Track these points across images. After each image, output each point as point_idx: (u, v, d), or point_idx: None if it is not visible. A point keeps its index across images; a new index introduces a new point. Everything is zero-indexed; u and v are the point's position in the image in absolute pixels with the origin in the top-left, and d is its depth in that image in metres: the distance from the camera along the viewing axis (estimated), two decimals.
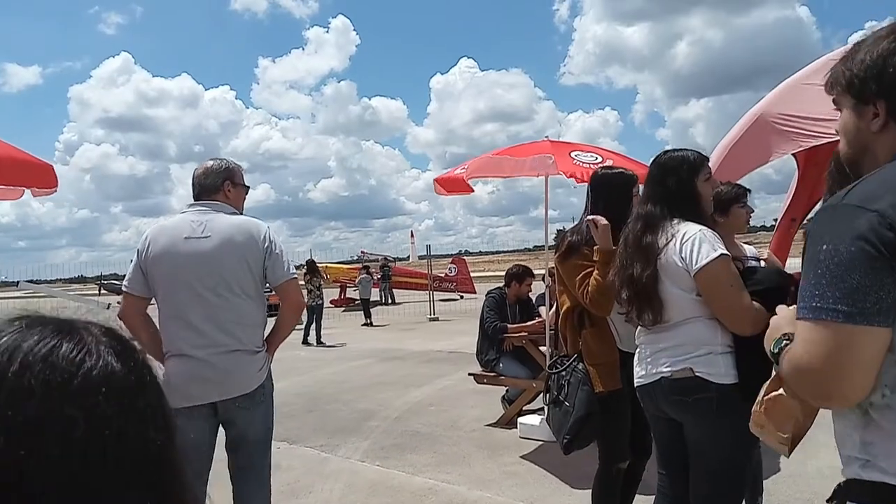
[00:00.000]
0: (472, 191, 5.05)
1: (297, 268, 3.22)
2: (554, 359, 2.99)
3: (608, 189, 2.75)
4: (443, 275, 27.78)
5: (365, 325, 17.28)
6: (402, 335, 14.48)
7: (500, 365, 5.79)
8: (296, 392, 7.91)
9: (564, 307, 2.80)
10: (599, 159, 4.94)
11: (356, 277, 19.86)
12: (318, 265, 15.37)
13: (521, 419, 5.45)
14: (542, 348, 5.62)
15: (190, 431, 2.44)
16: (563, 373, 2.75)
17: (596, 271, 2.55)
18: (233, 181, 2.74)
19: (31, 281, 21.90)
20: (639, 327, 2.32)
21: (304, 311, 14.99)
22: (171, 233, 2.58)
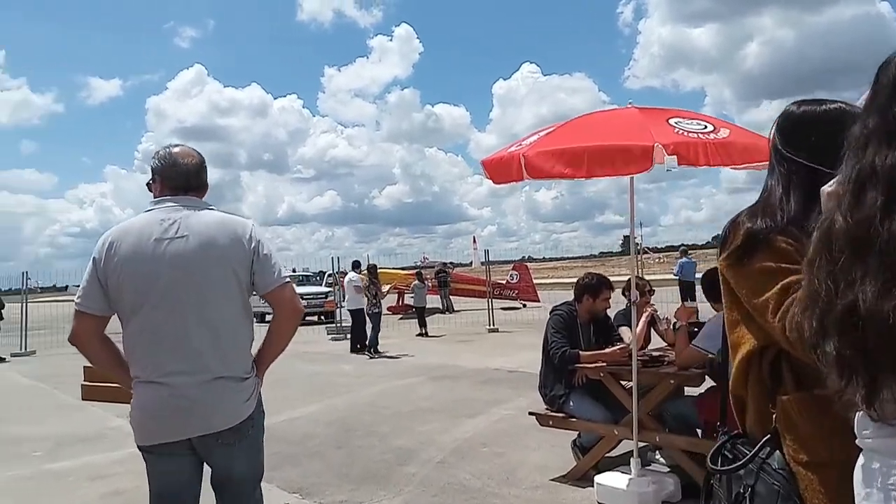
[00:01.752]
0: (523, 179, 3.71)
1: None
2: (721, 439, 1.58)
3: (819, 132, 1.42)
4: (503, 281, 26.77)
5: (419, 335, 16.17)
6: (458, 348, 13.25)
7: (570, 403, 4.50)
8: (327, 420, 6.80)
9: (742, 349, 1.44)
10: (710, 128, 3.58)
11: (411, 283, 18.82)
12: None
13: (598, 477, 4.14)
14: (625, 383, 4.30)
15: (170, 472, 2.18)
16: (742, 471, 1.43)
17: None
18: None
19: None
20: (864, 416, 1.03)
21: (357, 317, 14.27)
22: (137, 235, 2.12)
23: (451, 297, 24.69)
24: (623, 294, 5.16)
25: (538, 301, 24.92)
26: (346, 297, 14.10)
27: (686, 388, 4.42)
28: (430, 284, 18.67)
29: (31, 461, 5.70)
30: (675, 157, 3.34)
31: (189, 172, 2.25)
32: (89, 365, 8.84)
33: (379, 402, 7.70)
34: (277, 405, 7.24)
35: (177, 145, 2.34)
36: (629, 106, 4.04)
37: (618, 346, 4.49)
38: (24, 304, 16.61)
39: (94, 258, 2.13)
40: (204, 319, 2.09)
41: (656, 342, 5.22)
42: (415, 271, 21.42)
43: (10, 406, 8.61)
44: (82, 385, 8.82)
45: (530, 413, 4.93)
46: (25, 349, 15.80)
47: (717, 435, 1.54)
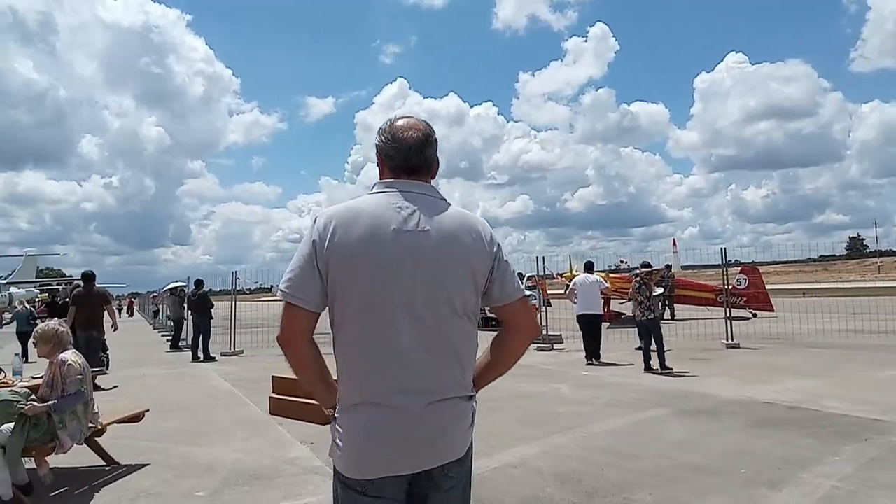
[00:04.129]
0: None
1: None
2: None
3: None
4: (729, 287, 23.47)
5: (639, 348, 13.81)
6: (696, 369, 10.76)
7: None
8: (554, 471, 4.95)
9: None
10: None
11: (627, 288, 16.42)
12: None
13: None
14: None
15: None
16: None
17: None
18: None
19: None
20: None
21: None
22: (371, 220, 1.78)
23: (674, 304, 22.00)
24: None
25: (772, 310, 21.55)
26: (578, 301, 12.42)
27: None
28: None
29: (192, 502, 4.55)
30: None
31: (409, 148, 1.90)
32: (278, 375, 7.89)
33: (620, 446, 5.70)
34: (482, 441, 5.58)
35: (402, 117, 1.97)
36: None
37: None
38: (234, 304, 16.86)
39: (313, 241, 1.78)
40: (442, 329, 1.78)
41: None
42: (629, 275, 18.97)
43: (198, 416, 7.85)
44: (270, 398, 7.86)
45: None
46: (233, 349, 15.92)
47: None
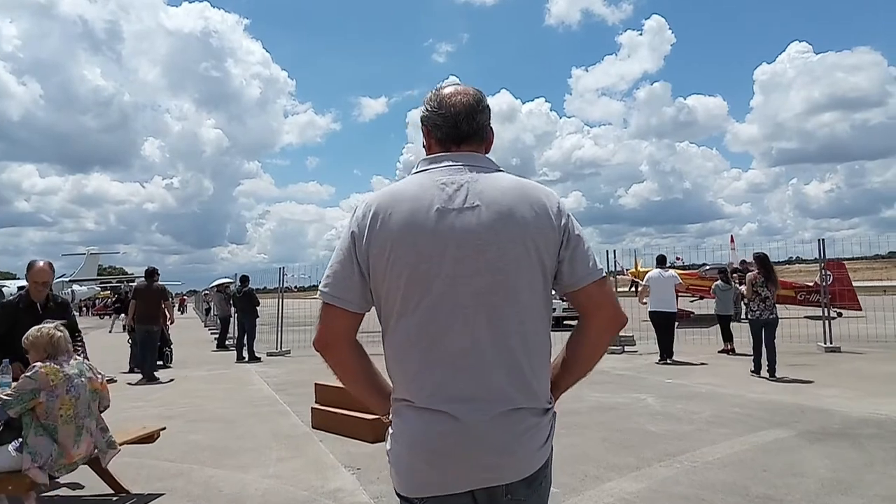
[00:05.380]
0: None
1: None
2: None
3: None
4: (811, 284, 21.81)
5: (723, 351, 12.43)
6: (800, 376, 9.35)
7: None
8: None
9: None
10: None
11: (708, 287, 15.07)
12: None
13: None
14: None
15: None
16: None
17: None
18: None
19: None
20: None
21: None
22: (412, 203, 1.54)
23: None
24: None
25: (860, 309, 19.85)
26: (651, 297, 11.62)
27: None
28: (736, 287, 14.35)
29: None
30: None
31: (458, 114, 1.66)
32: (323, 383, 6.80)
33: (747, 483, 4.45)
34: (563, 471, 4.55)
35: (450, 84, 1.74)
36: None
37: None
38: (281, 302, 16.07)
39: (352, 232, 1.57)
40: (504, 324, 1.50)
41: None
42: (703, 273, 17.53)
43: (232, 427, 6.92)
44: (313, 409, 6.87)
45: None
46: (280, 348, 15.14)
47: None
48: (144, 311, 11.16)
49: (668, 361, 11.28)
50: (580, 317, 1.67)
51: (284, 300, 16.25)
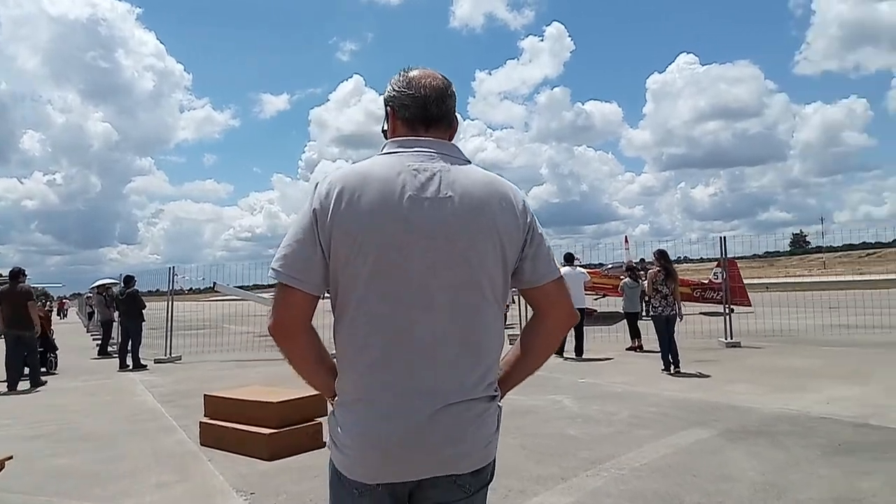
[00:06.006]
0: None
1: None
2: None
3: None
4: (706, 281, 22.75)
5: (631, 348, 12.51)
6: (705, 371, 9.41)
7: None
8: None
9: None
10: None
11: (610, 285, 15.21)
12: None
13: None
14: None
15: None
16: None
17: None
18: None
19: (241, 287, 20.65)
20: None
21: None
22: (382, 184, 1.47)
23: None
24: None
25: (750, 305, 20.81)
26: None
27: None
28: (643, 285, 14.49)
29: None
30: None
31: (427, 96, 1.61)
32: (213, 394, 5.79)
33: (679, 491, 4.17)
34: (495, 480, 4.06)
35: (416, 68, 1.67)
36: None
37: None
38: (170, 305, 14.85)
39: (314, 210, 1.46)
40: (464, 315, 1.47)
41: None
42: (616, 266, 17.70)
43: (107, 447, 6.04)
44: (201, 423, 6.11)
45: None
46: (169, 354, 13.98)
47: None
48: (11, 314, 10.45)
49: (577, 358, 11.27)
50: (535, 314, 1.67)
51: (175, 303, 15.04)
